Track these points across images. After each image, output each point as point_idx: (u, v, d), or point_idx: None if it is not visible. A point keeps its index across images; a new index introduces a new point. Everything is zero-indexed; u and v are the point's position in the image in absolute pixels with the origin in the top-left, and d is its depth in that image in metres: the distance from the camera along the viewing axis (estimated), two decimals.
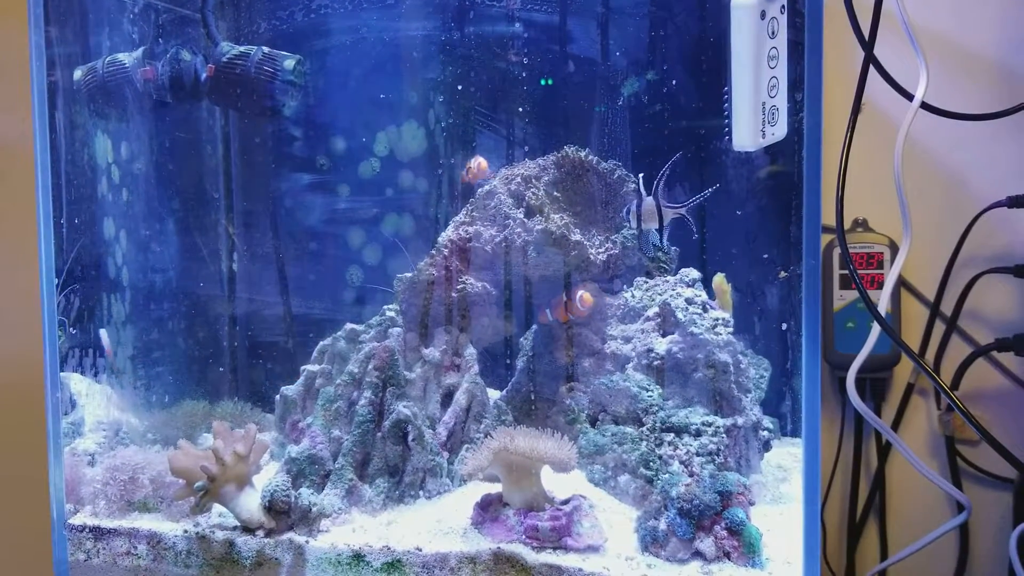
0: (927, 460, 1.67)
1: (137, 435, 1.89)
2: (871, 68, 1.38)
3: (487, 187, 1.82)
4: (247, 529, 1.49)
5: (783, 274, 1.60)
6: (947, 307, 1.63)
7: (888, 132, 1.48)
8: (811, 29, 1.16)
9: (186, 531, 1.51)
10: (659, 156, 1.78)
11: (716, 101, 1.24)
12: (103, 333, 1.92)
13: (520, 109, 1.86)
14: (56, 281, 1.61)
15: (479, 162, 1.78)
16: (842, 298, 1.64)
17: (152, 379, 2.03)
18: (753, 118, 1.17)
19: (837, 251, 1.64)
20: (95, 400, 1.93)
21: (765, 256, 1.67)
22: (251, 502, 1.50)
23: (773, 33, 1.17)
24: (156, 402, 2.01)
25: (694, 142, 1.77)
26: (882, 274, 1.62)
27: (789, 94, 1.20)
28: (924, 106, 1.40)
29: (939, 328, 1.64)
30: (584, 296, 1.67)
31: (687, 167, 1.81)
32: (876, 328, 1.40)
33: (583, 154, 1.80)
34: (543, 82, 1.82)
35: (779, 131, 1.21)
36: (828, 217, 1.27)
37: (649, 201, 1.52)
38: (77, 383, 1.94)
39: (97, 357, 1.94)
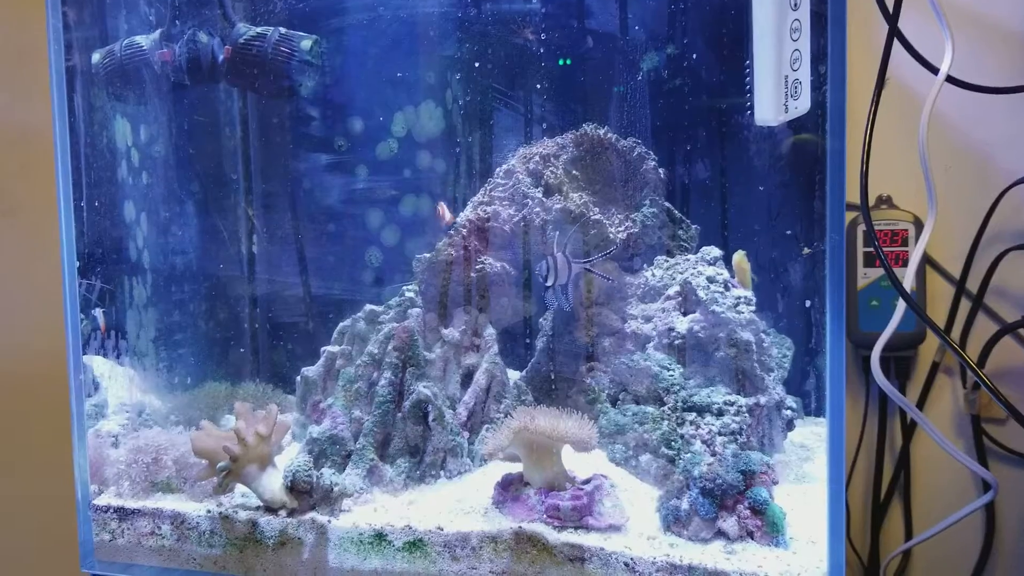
0: (953, 439, 1.66)
1: (160, 416, 1.90)
2: (895, 41, 1.35)
3: (506, 166, 1.81)
4: (269, 509, 1.50)
5: (806, 251, 1.58)
6: (973, 284, 1.61)
7: (913, 107, 1.45)
8: (834, 1, 1.13)
9: (209, 511, 1.52)
10: (680, 132, 1.76)
11: (738, 75, 1.22)
12: (99, 312, 1.93)
13: (538, 86, 1.85)
14: (77, 264, 1.62)
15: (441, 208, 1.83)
16: (866, 276, 1.62)
17: (174, 361, 2.05)
18: (776, 92, 1.16)
19: (861, 228, 1.61)
20: (118, 382, 1.95)
21: (788, 233, 1.65)
22: (273, 482, 1.50)
23: (796, 5, 1.15)
24: (178, 384, 2.02)
25: (715, 117, 1.74)
26: (907, 251, 1.60)
27: (812, 67, 1.18)
28: (949, 79, 1.37)
29: (965, 306, 1.62)
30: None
31: (709, 143, 1.78)
32: (901, 305, 1.38)
33: (602, 132, 1.78)
34: (561, 62, 1.80)
35: (802, 105, 1.19)
36: (852, 194, 1.25)
37: (560, 257, 1.60)
38: (100, 366, 1.96)
39: (119, 339, 1.95)
